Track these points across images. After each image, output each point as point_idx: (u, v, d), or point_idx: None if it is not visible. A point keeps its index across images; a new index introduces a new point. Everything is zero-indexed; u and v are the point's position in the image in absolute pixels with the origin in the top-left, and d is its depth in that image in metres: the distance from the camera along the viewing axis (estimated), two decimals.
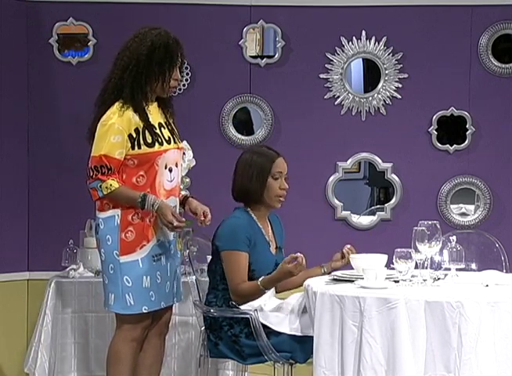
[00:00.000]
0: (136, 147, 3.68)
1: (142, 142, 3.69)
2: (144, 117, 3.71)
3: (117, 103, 3.70)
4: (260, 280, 3.64)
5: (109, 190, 3.65)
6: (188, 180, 4.95)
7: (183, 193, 4.02)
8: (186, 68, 5.08)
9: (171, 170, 3.77)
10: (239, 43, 5.10)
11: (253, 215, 3.79)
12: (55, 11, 5.02)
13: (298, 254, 3.56)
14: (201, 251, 4.19)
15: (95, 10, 5.03)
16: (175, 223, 3.65)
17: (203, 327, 3.83)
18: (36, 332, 4.53)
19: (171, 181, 3.77)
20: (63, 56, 5.06)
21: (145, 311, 3.70)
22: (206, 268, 4.29)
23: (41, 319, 4.51)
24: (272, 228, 3.88)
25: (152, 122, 3.74)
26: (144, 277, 3.69)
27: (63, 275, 4.64)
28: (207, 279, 4.00)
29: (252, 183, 3.74)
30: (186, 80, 5.09)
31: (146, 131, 3.70)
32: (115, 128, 3.66)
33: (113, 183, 3.65)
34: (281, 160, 3.81)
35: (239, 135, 5.14)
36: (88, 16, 5.04)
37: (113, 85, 3.73)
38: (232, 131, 5.13)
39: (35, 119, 5.04)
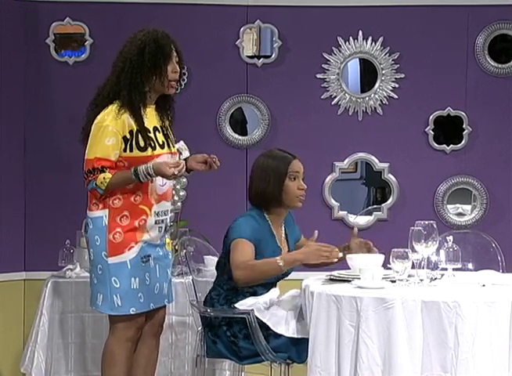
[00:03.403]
0: (128, 150, 3.68)
1: (134, 145, 3.68)
2: (139, 120, 3.69)
3: (111, 105, 3.68)
4: (280, 257, 3.55)
5: (105, 183, 3.64)
6: (184, 180, 4.95)
7: (183, 157, 3.98)
8: (183, 67, 5.07)
9: None
10: (236, 43, 5.10)
11: (269, 221, 3.75)
12: (51, 11, 5.01)
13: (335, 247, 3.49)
14: (198, 251, 4.18)
15: (92, 10, 5.02)
16: (176, 172, 3.61)
17: (200, 327, 3.82)
18: (33, 332, 4.52)
19: (163, 186, 3.76)
20: (59, 56, 5.05)
21: (132, 312, 3.69)
22: (202, 268, 4.29)
23: (38, 319, 4.50)
24: (285, 233, 3.84)
25: (146, 126, 3.72)
26: (132, 279, 3.68)
27: (60, 275, 4.63)
28: (205, 279, 3.99)
29: (270, 187, 3.70)
30: (183, 80, 5.09)
31: (139, 135, 3.68)
32: (109, 130, 3.65)
33: (105, 176, 3.64)
34: (297, 161, 3.78)
35: (236, 135, 5.14)
36: (85, 15, 5.03)
37: (108, 89, 3.72)
38: (229, 131, 5.13)
39: (32, 119, 5.04)
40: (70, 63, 5.06)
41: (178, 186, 4.90)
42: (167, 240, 3.89)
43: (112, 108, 3.68)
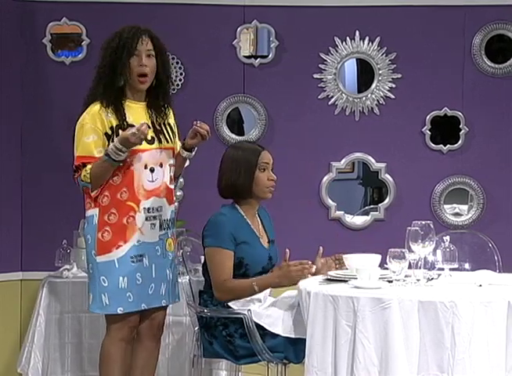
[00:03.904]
0: None
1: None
2: (118, 115, 3.68)
3: (92, 104, 3.71)
4: (255, 281, 3.64)
5: (88, 176, 3.65)
6: (181, 180, 4.94)
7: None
8: (180, 68, 5.08)
9: (152, 170, 3.73)
10: (233, 43, 5.10)
11: (241, 211, 3.79)
12: (48, 11, 5.01)
13: (307, 261, 3.57)
14: (194, 251, 4.18)
15: (89, 10, 5.02)
16: (134, 130, 3.55)
17: (197, 327, 3.82)
18: (29, 332, 4.52)
19: (153, 181, 3.74)
20: (56, 56, 5.05)
21: (120, 312, 3.68)
22: (199, 268, 4.29)
23: (35, 319, 4.50)
24: (262, 222, 3.88)
25: (131, 122, 3.69)
26: (120, 278, 3.67)
27: (57, 275, 4.63)
28: (201, 279, 3.99)
29: (240, 178, 3.75)
30: (180, 80, 5.09)
31: (120, 131, 3.66)
32: (87, 127, 3.67)
33: (86, 169, 3.65)
34: (266, 153, 3.83)
35: (233, 135, 5.14)
36: (82, 15, 5.03)
37: (90, 89, 3.76)
38: (226, 131, 5.13)
39: (29, 119, 5.04)
40: (67, 63, 5.06)
41: (171, 186, 4.89)
42: (170, 240, 3.85)
43: (92, 106, 3.71)
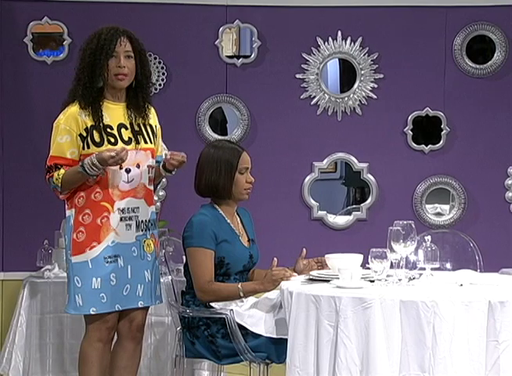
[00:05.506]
0: (86, 147, 3.66)
1: (90, 141, 3.66)
2: (95, 116, 3.67)
3: (71, 104, 3.71)
4: (240, 285, 3.65)
5: (59, 180, 3.64)
6: (164, 180, 4.94)
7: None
8: (163, 68, 5.07)
9: (128, 171, 3.70)
10: (216, 43, 5.10)
11: (220, 211, 3.79)
12: (29, 10, 4.99)
13: (293, 273, 3.61)
14: (177, 251, 4.17)
15: (70, 9, 5.00)
16: (113, 154, 3.55)
17: (179, 327, 3.82)
18: (10, 333, 4.51)
19: (129, 182, 3.71)
20: (37, 56, 5.03)
21: (93, 313, 3.66)
22: (182, 268, 4.29)
23: (16, 319, 4.49)
24: (241, 221, 3.89)
25: (108, 122, 3.68)
26: (94, 278, 3.65)
27: (38, 275, 4.62)
28: (184, 279, 3.99)
29: (220, 179, 3.75)
30: (162, 80, 5.08)
31: (94, 131, 3.64)
32: (61, 128, 3.67)
33: (59, 172, 3.64)
34: (245, 155, 3.82)
35: (216, 135, 5.13)
36: (63, 15, 5.02)
37: (69, 91, 3.75)
38: (209, 131, 5.13)
39: (10, 119, 5.01)
40: (49, 63, 5.04)
41: (157, 187, 4.88)
42: (149, 242, 3.81)
43: (69, 107, 3.70)
